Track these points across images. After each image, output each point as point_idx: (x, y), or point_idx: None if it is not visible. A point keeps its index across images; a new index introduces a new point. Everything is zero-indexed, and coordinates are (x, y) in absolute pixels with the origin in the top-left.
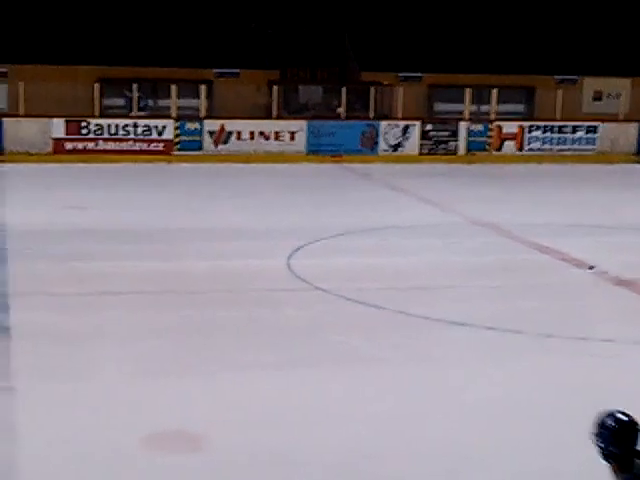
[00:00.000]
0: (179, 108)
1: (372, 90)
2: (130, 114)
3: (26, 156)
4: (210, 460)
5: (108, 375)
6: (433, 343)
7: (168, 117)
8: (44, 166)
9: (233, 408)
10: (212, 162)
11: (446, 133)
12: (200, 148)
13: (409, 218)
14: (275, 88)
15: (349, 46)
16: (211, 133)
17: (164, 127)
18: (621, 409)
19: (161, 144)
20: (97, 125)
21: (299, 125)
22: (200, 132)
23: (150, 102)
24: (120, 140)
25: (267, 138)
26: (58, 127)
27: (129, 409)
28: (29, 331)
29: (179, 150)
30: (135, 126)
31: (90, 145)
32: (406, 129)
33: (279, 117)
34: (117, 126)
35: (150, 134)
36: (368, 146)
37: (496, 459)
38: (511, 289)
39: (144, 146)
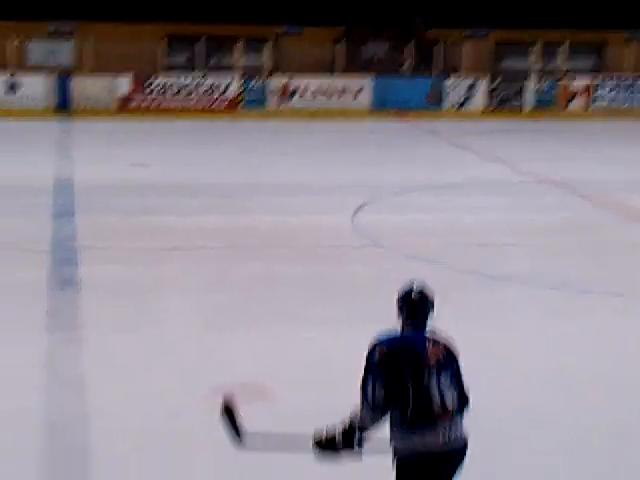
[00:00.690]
0: (244, 65)
1: (438, 47)
2: (195, 71)
3: (92, 113)
4: (273, 413)
5: (175, 328)
6: (497, 301)
7: (233, 74)
8: (110, 123)
9: (297, 362)
10: (276, 119)
11: (513, 90)
12: (264, 105)
13: (474, 175)
14: (340, 45)
15: (415, 2)
16: (275, 90)
17: (229, 84)
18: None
19: (226, 101)
20: (162, 82)
21: (364, 82)
22: (264, 89)
23: (215, 59)
24: (185, 97)
25: (331, 95)
26: (124, 84)
27: (195, 361)
28: (97, 284)
29: (243, 107)
30: (200, 83)
31: (155, 102)
32: (472, 86)
33: (344, 74)
34: (182, 83)
35: (215, 91)
36: (434, 103)
37: (559, 421)
38: (578, 248)
39: (209, 103)
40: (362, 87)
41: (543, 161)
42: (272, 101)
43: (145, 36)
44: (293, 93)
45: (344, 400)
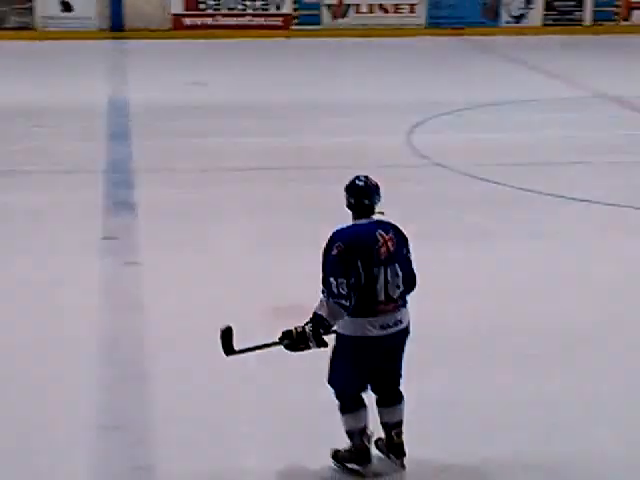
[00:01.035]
0: None
1: None
2: None
3: (146, 32)
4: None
5: (230, 248)
6: (553, 219)
7: None
8: (164, 42)
9: None
10: (330, 36)
11: (571, 3)
12: (319, 22)
13: (531, 92)
14: None
15: None
16: (330, 7)
17: (282, 1)
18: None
19: (279, 19)
20: (215, 0)
21: None
22: (319, 6)
23: None
24: (238, 15)
25: (386, 11)
26: (177, 3)
27: (250, 281)
28: (153, 206)
29: (297, 24)
30: (253, 0)
31: (208, 20)
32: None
33: None
34: (235, 1)
35: (268, 9)
36: (490, 18)
37: (613, 336)
38: (636, 166)
39: (262, 21)
40: (417, 3)
41: (603, 76)
42: (326, 18)
43: None
44: (348, 9)
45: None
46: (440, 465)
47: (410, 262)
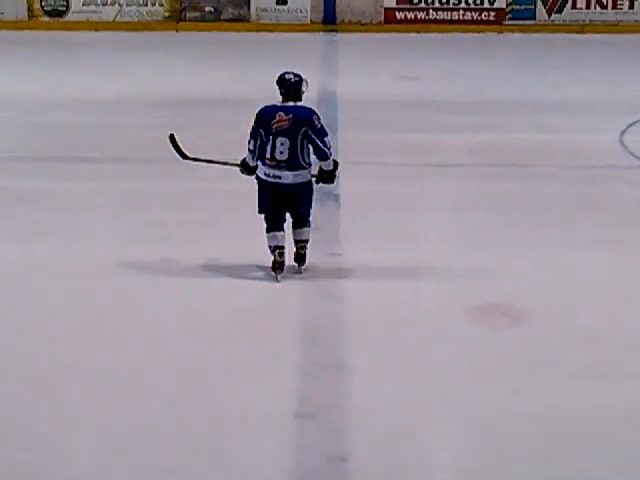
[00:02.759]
0: None
1: None
2: None
3: (358, 26)
4: (529, 336)
5: (435, 244)
6: None
7: None
8: (375, 36)
9: (559, 285)
10: (544, 32)
11: None
12: (533, 17)
13: None
14: None
15: None
16: (545, 1)
17: None
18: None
19: (492, 13)
20: None
21: None
22: (533, 1)
23: None
24: (451, 9)
25: (605, 7)
26: None
27: (454, 280)
28: (356, 199)
29: (510, 19)
30: None
31: (421, 14)
32: None
33: None
34: None
35: (482, 3)
36: None
37: None
38: None
39: (475, 15)
40: None
41: None
42: (541, 13)
43: None
44: (564, 4)
45: (610, 321)
46: None
47: (313, 140)
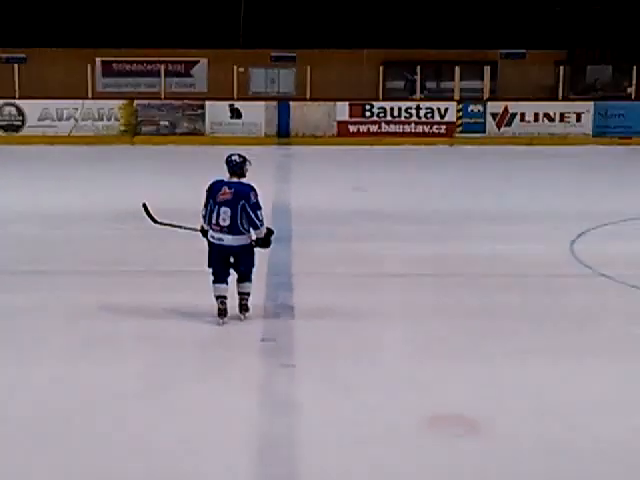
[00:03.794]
0: (462, 90)
1: None
2: (412, 97)
3: (311, 139)
4: (488, 447)
5: (387, 355)
6: None
7: (451, 99)
8: (328, 148)
9: (513, 394)
10: (494, 144)
11: None
12: (483, 130)
13: None
14: (562, 68)
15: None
16: (494, 115)
17: (446, 109)
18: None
19: (443, 126)
20: (380, 108)
21: (586, 106)
22: (483, 114)
23: (432, 84)
24: (402, 122)
25: (552, 120)
26: (342, 110)
27: (408, 390)
28: (311, 310)
29: (461, 132)
30: (418, 108)
31: (373, 128)
32: None
33: (565, 98)
34: (400, 109)
35: (432, 117)
36: None
37: None
38: None
39: (426, 128)
40: (584, 111)
41: None
42: (491, 126)
43: (365, 62)
44: (512, 117)
45: (559, 431)
46: None
47: (246, 211)
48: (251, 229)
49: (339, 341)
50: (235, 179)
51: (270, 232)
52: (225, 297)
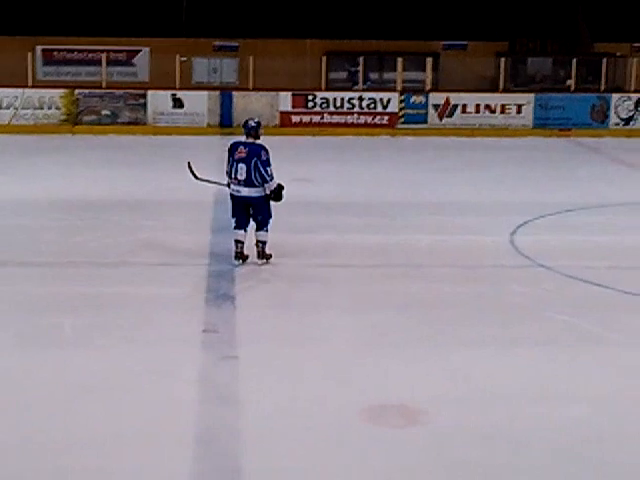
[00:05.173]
0: (404, 81)
1: (604, 61)
2: (355, 87)
3: None
4: (427, 435)
5: (332, 345)
6: None
7: (393, 90)
8: (271, 138)
9: (455, 384)
10: (436, 135)
11: None
12: (425, 121)
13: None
14: (503, 60)
15: (581, 16)
16: (436, 106)
17: (389, 100)
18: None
19: (386, 117)
20: (323, 98)
21: (526, 98)
22: (425, 105)
23: (375, 75)
24: (345, 113)
25: (493, 111)
26: (285, 100)
27: (352, 379)
28: (253, 300)
29: (403, 123)
30: (360, 99)
31: (316, 118)
32: (639, 102)
33: (506, 90)
34: (342, 99)
35: (375, 107)
36: (598, 120)
37: None
38: None
39: (369, 119)
40: (525, 103)
41: None
42: (432, 117)
43: (307, 52)
44: (454, 109)
45: (498, 420)
46: None
47: (257, 167)
48: (263, 182)
49: (282, 332)
50: (251, 140)
51: (281, 187)
52: (242, 242)
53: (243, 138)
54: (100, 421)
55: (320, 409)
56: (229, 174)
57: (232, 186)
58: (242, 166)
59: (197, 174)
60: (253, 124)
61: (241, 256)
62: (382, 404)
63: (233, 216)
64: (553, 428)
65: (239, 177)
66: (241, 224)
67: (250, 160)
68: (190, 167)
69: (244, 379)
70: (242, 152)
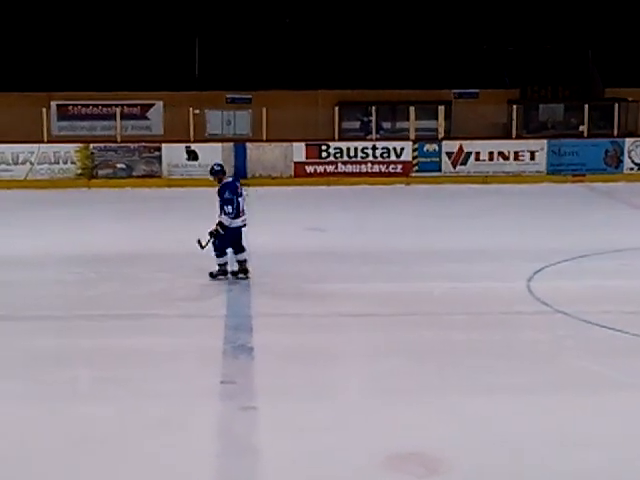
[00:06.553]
0: (417, 129)
1: (616, 106)
2: (368, 137)
3: (268, 179)
4: None
5: (347, 394)
6: None
7: (406, 139)
8: (285, 189)
9: (471, 431)
10: (450, 183)
11: None
12: (438, 169)
13: None
14: (515, 107)
15: (592, 62)
16: (449, 154)
17: (402, 149)
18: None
19: (399, 166)
20: (336, 148)
21: (539, 144)
22: (438, 153)
23: (387, 124)
24: (359, 162)
25: (506, 158)
26: (299, 151)
27: (369, 429)
28: (270, 351)
29: (417, 171)
30: (374, 148)
31: (330, 168)
32: None
33: (518, 137)
34: (356, 149)
35: (389, 156)
36: (612, 165)
37: None
38: None
39: (383, 168)
40: (538, 150)
41: None
42: (446, 165)
43: (320, 103)
44: (467, 156)
45: (518, 466)
46: None
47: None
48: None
49: (300, 382)
50: (231, 178)
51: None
52: (227, 263)
53: (231, 179)
54: (117, 475)
55: (338, 459)
56: (235, 211)
57: (236, 221)
58: (241, 199)
59: (203, 244)
60: (217, 167)
61: (226, 273)
62: (401, 453)
63: (224, 247)
64: (568, 471)
65: (244, 209)
66: (226, 252)
67: (240, 193)
68: (199, 242)
69: (262, 430)
70: (239, 187)
